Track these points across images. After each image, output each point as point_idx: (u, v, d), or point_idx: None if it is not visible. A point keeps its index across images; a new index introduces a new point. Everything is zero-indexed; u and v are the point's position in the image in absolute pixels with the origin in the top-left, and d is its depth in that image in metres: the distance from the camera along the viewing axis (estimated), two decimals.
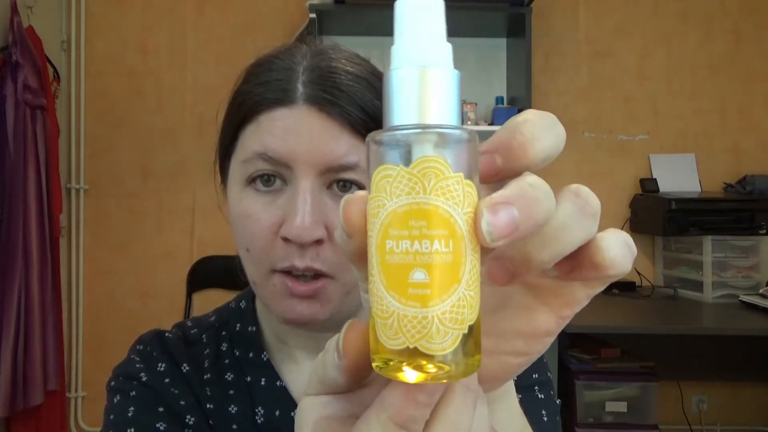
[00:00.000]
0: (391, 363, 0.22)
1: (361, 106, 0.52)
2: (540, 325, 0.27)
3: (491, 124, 2.45)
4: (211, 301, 1.42)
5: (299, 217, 0.50)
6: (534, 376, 0.62)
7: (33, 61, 2.18)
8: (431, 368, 0.22)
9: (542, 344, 0.27)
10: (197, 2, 2.60)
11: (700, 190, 2.56)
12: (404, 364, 0.22)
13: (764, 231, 2.24)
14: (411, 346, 0.21)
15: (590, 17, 2.65)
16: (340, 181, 0.52)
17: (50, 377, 2.21)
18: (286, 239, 0.51)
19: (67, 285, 2.52)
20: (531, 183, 0.22)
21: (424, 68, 0.23)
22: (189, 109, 2.59)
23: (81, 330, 2.55)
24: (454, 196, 0.22)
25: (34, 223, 2.16)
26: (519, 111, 2.40)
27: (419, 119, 0.22)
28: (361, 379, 0.26)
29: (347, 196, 0.24)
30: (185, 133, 2.58)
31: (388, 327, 0.22)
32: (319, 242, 0.51)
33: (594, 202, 0.24)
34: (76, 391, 2.55)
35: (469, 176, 0.22)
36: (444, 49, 0.23)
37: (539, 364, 0.62)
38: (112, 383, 0.61)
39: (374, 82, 0.55)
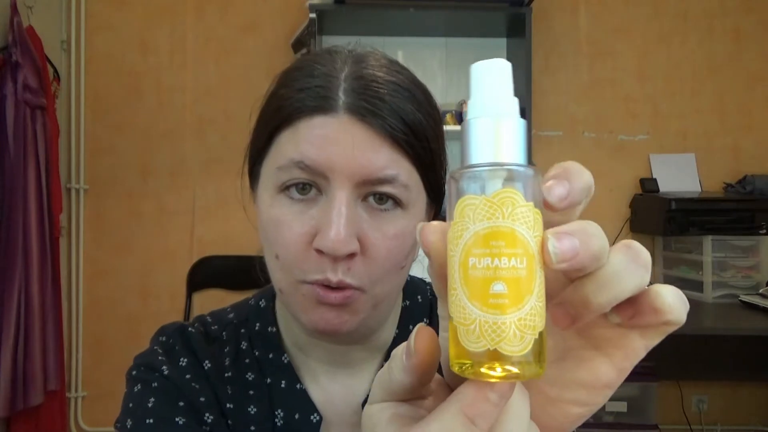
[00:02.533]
0: (471, 364, 0.25)
1: (403, 118, 0.51)
2: (601, 376, 0.29)
3: None
4: (211, 301, 1.42)
5: (334, 229, 0.48)
6: None
7: (33, 61, 2.18)
8: (506, 369, 0.25)
9: (602, 396, 0.29)
10: (197, 2, 2.60)
11: (700, 190, 2.56)
12: (483, 365, 0.25)
13: (764, 231, 2.24)
14: (491, 348, 0.25)
15: (590, 17, 2.65)
16: (376, 194, 0.51)
17: (50, 377, 2.21)
18: (319, 251, 0.50)
19: (67, 285, 2.52)
20: (588, 222, 0.26)
21: (498, 118, 0.27)
22: (189, 109, 2.59)
23: (81, 330, 2.55)
24: (527, 221, 0.25)
25: (34, 223, 2.16)
26: (519, 111, 2.41)
27: (495, 158, 0.27)
28: (426, 380, 0.28)
29: (422, 224, 0.28)
30: (185, 133, 2.58)
31: (470, 332, 0.25)
32: (351, 255, 0.50)
33: (644, 254, 0.26)
34: (76, 391, 2.55)
35: (537, 206, 0.26)
36: (512, 103, 0.29)
37: None
38: (134, 372, 0.60)
39: (415, 92, 0.54)
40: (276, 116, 0.53)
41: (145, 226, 2.58)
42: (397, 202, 0.52)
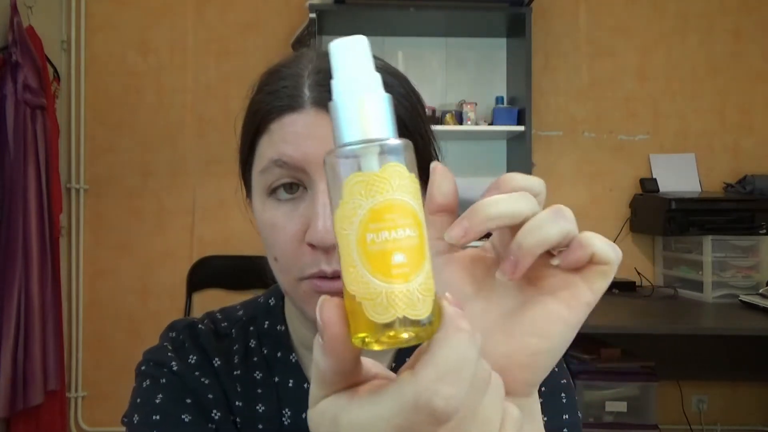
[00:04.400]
0: (375, 335, 0.26)
1: None
2: (551, 311, 0.31)
3: (491, 123, 2.45)
4: (211, 301, 1.42)
5: (320, 221, 0.49)
6: (564, 417, 0.61)
7: (33, 61, 2.18)
8: (411, 332, 0.26)
9: (556, 328, 0.31)
10: (197, 2, 2.60)
11: (700, 190, 2.56)
12: (388, 334, 0.26)
13: (764, 231, 2.24)
14: (401, 316, 0.25)
15: (590, 17, 2.65)
16: None
17: (50, 377, 2.21)
18: (311, 245, 0.51)
19: (67, 285, 2.52)
20: (485, 200, 0.31)
21: (364, 94, 0.28)
22: (189, 109, 2.59)
23: (81, 330, 2.55)
24: (411, 191, 0.27)
25: (34, 223, 2.16)
26: (519, 111, 2.42)
27: (368, 135, 0.28)
28: (349, 355, 0.27)
29: (322, 298, 0.27)
30: (185, 133, 2.58)
31: (377, 304, 0.26)
32: None
33: (567, 211, 0.31)
34: (76, 391, 2.55)
35: (413, 173, 0.28)
36: (376, 78, 0.29)
37: (564, 406, 0.62)
38: (143, 367, 0.61)
39: (384, 77, 0.54)
40: (252, 122, 0.55)
41: (145, 226, 2.58)
42: None
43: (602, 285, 0.32)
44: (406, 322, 0.25)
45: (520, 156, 2.39)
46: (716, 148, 2.64)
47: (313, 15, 2.32)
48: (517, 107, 2.43)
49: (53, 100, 2.38)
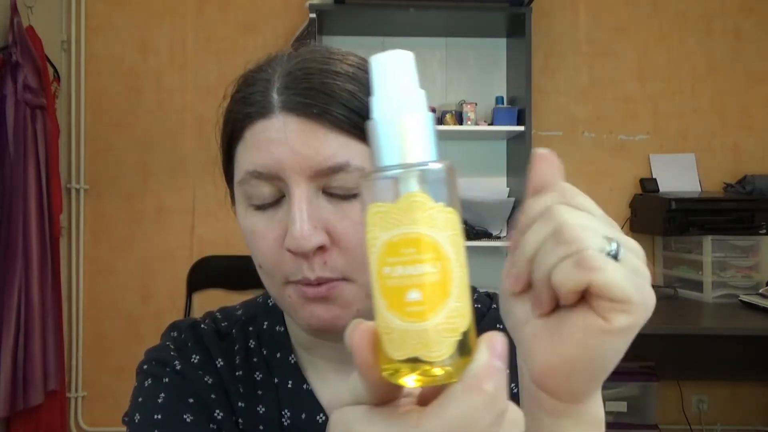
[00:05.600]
0: (396, 371, 0.25)
1: (342, 102, 0.51)
2: (587, 323, 0.30)
3: (491, 123, 2.45)
4: (211, 301, 1.42)
5: (297, 226, 0.49)
6: None
7: (33, 61, 2.18)
8: (432, 372, 0.24)
9: (592, 345, 0.31)
10: (197, 2, 2.60)
11: (700, 190, 2.56)
12: (408, 371, 0.25)
13: (764, 231, 2.24)
14: (413, 356, 0.24)
15: (590, 17, 2.65)
16: (336, 186, 0.51)
17: (50, 377, 2.21)
18: (291, 251, 0.50)
19: (67, 285, 2.52)
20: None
21: (402, 114, 0.26)
22: (189, 109, 2.59)
23: (81, 330, 2.55)
24: (437, 223, 0.25)
25: (34, 223, 2.16)
26: (519, 111, 2.41)
27: (403, 159, 0.25)
28: (378, 381, 0.27)
29: (354, 323, 0.26)
30: (185, 133, 2.58)
31: (391, 341, 0.25)
32: (323, 249, 0.50)
33: (567, 230, 0.30)
34: (76, 391, 2.55)
35: (450, 203, 0.25)
36: (418, 95, 0.26)
37: None
38: (145, 366, 0.60)
39: (357, 74, 0.53)
40: (227, 131, 0.56)
41: (144, 225, 2.58)
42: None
43: (621, 320, 0.29)
44: (419, 363, 0.24)
45: (520, 156, 2.39)
46: (716, 148, 2.64)
47: (313, 15, 2.32)
48: (517, 107, 2.43)
49: (53, 100, 2.38)
